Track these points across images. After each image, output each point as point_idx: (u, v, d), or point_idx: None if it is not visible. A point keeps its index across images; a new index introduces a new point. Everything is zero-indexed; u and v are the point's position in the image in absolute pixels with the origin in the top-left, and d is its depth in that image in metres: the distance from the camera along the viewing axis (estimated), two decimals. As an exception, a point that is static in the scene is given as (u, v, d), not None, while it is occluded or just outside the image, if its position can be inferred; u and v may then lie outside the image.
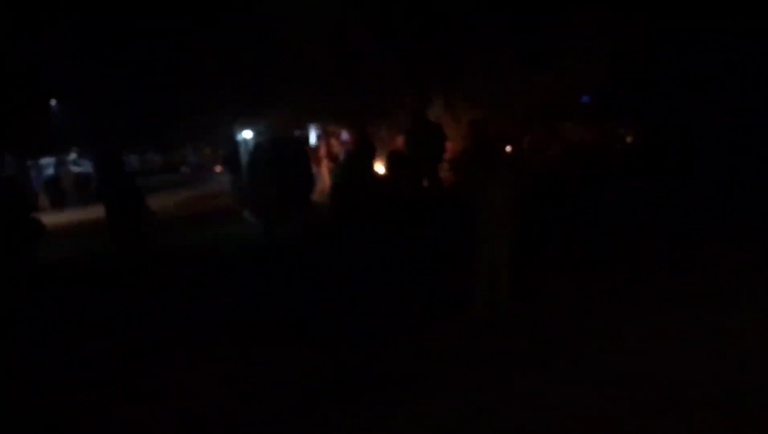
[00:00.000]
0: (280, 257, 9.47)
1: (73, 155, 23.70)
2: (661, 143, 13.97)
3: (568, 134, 15.86)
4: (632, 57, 14.98)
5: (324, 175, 15.22)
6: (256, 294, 7.69)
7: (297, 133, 15.32)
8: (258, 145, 11.60)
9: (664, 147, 13.64)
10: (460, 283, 6.31)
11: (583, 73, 14.74)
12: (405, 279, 7.20)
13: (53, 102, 22.78)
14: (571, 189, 11.38)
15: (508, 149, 16.59)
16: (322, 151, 15.96)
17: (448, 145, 14.49)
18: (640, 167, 12.74)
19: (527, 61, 14.89)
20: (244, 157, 13.29)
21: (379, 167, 11.34)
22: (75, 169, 23.16)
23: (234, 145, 14.19)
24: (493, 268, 6.04)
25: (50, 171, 23.07)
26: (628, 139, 15.25)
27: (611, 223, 9.16)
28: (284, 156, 10.47)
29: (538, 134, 16.30)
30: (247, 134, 14.08)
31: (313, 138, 17.03)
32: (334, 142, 15.88)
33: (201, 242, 11.85)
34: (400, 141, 15.40)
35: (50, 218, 14.36)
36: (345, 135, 16.72)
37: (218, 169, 21.32)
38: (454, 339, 5.78)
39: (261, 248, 10.33)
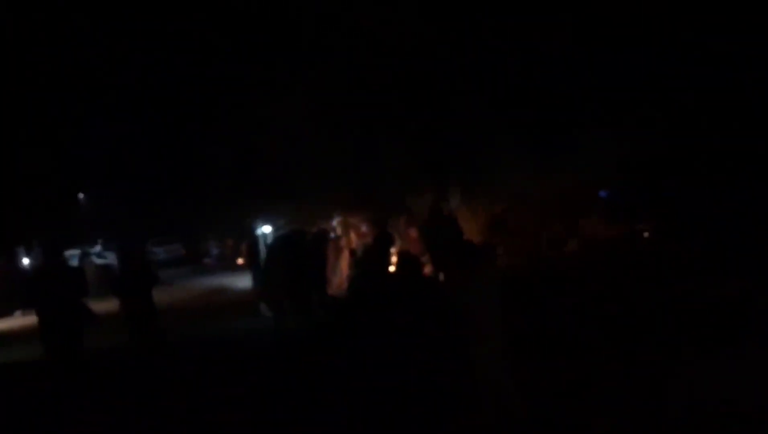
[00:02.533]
0: (286, 353, 9.41)
1: (97, 247, 24.11)
2: (680, 240, 13.89)
3: (587, 229, 15.83)
4: (650, 152, 15.14)
5: (343, 268, 15.27)
6: (255, 392, 7.61)
7: (318, 227, 15.50)
8: (275, 239, 11.76)
9: (683, 244, 13.56)
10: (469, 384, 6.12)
11: (600, 168, 14.89)
12: (414, 379, 7.07)
13: (81, 195, 23.40)
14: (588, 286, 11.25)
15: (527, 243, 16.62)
16: (343, 242, 16.07)
17: (467, 238, 14.54)
18: (659, 265, 12.63)
19: (544, 156, 15.12)
20: (263, 250, 13.45)
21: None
22: (98, 261, 23.49)
23: (254, 238, 14.40)
24: (489, 371, 5.86)
25: (74, 262, 23.40)
26: (646, 234, 15.16)
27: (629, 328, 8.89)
28: (300, 251, 10.58)
29: (557, 229, 16.29)
30: (266, 228, 14.32)
31: (337, 231, 17.20)
32: (353, 235, 16.01)
33: (211, 334, 11.87)
34: (413, 234, 15.51)
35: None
36: (365, 227, 16.87)
37: (240, 261, 21.53)
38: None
39: (270, 343, 10.28)
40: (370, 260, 10.95)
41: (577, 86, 14.90)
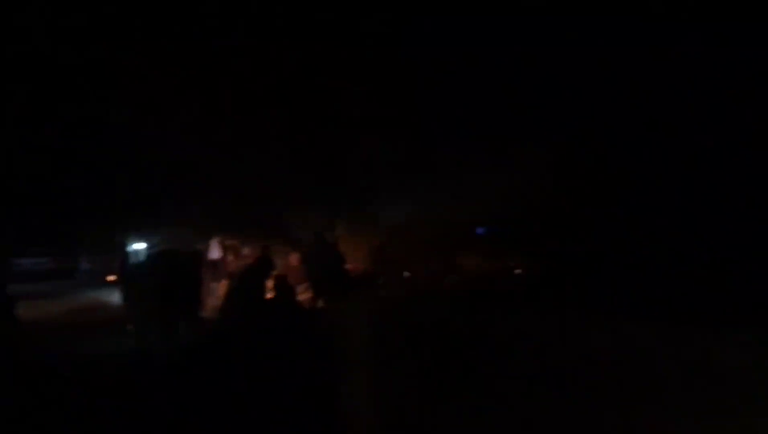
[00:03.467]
0: (148, 376, 9.04)
1: (-46, 256, 22.35)
2: (549, 277, 14.60)
3: (464, 263, 16.36)
4: (525, 192, 15.87)
5: (220, 291, 14.90)
6: (108, 414, 7.27)
7: (195, 247, 15.09)
8: (147, 257, 11.35)
9: (552, 281, 14.26)
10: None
11: (478, 205, 15.45)
12: (280, 407, 6.96)
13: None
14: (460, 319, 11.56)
15: (407, 274, 16.93)
16: (222, 264, 15.69)
17: (349, 267, 14.65)
18: (527, 300, 13.20)
19: (427, 191, 15.54)
20: (134, 268, 12.91)
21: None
22: (-46, 270, 21.77)
23: (126, 255, 13.79)
24: (355, 398, 5.88)
25: (-73, 271, 21.55)
26: (517, 271, 15.89)
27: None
28: (170, 271, 10.24)
29: (437, 263, 16.71)
30: (139, 245, 13.77)
31: (215, 252, 16.81)
32: (231, 258, 15.68)
33: (71, 352, 11.23)
34: (294, 259, 15.41)
35: None
36: (246, 250, 16.58)
37: (110, 278, 20.55)
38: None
39: (132, 365, 9.84)
40: (246, 284, 10.73)
41: (458, 126, 15.48)
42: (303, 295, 13.98)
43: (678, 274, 13.75)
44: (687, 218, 15.67)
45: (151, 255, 11.25)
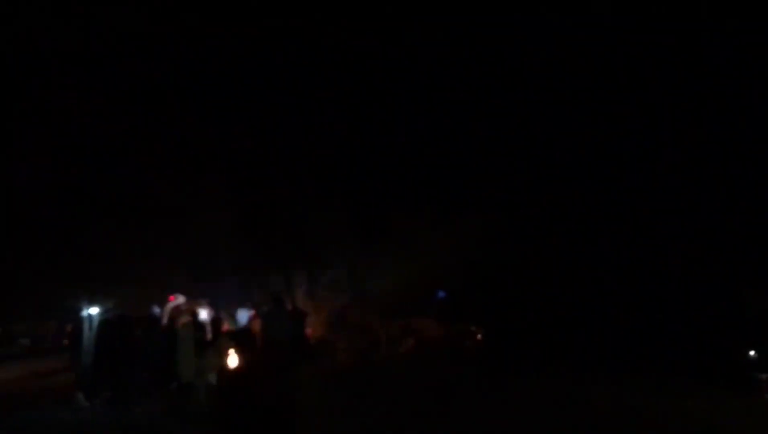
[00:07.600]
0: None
1: None
2: (507, 342, 14.68)
3: (423, 327, 16.31)
4: (484, 259, 16.05)
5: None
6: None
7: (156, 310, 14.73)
8: (101, 322, 11.03)
9: (510, 345, 14.34)
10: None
11: (438, 270, 15.53)
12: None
13: None
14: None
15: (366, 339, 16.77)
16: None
17: (309, 331, 14.46)
18: (487, 365, 13.21)
19: (385, 256, 15.59)
20: (86, 334, 12.48)
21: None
22: None
23: (78, 320, 13.34)
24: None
25: None
26: (479, 336, 15.91)
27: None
28: (130, 335, 9.96)
29: (396, 327, 16.63)
30: (92, 310, 13.34)
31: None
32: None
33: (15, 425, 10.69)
34: (257, 325, 15.11)
35: None
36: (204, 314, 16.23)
37: (66, 343, 19.84)
38: None
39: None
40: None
41: (417, 190, 15.72)
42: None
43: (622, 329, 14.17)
44: (625, 277, 16.12)
45: (106, 321, 10.94)
